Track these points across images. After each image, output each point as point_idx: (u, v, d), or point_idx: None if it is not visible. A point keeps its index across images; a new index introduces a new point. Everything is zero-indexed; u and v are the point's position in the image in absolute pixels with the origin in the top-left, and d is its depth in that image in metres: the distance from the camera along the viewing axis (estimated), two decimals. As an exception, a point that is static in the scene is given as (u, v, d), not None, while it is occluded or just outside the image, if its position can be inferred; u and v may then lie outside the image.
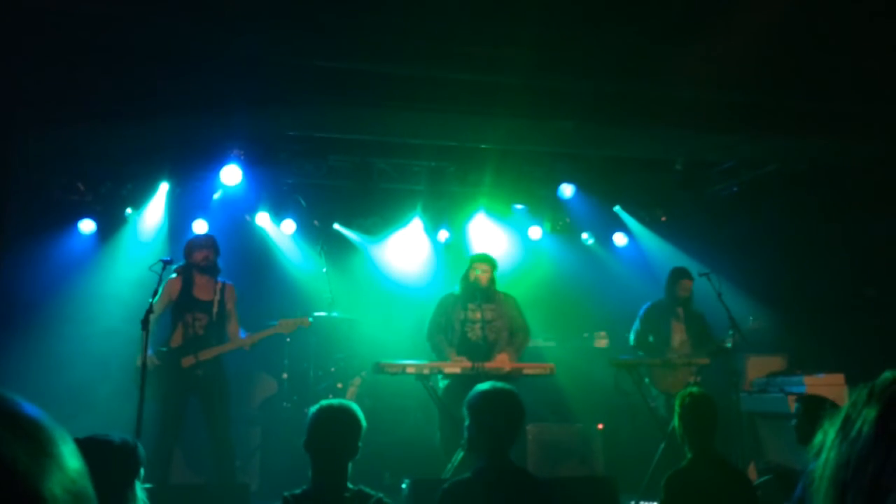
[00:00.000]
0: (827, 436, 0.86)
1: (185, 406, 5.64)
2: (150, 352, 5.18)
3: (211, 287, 5.79)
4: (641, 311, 6.96)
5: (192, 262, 5.76)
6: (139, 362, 5.07)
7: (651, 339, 6.86)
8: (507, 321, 6.16)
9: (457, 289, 6.25)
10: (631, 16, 5.02)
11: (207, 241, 5.83)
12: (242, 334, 5.84)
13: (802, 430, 4.11)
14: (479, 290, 6.07)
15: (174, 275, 5.76)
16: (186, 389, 5.60)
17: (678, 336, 6.80)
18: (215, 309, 5.74)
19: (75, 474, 0.73)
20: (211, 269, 5.77)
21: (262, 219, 7.93)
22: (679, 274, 6.87)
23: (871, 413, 0.81)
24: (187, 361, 5.58)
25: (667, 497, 3.56)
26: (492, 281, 6.14)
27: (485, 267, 6.12)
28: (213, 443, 5.61)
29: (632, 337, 6.94)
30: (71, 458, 0.73)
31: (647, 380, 6.63)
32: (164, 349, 5.60)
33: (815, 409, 4.20)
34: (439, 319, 6.15)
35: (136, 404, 4.79)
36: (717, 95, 5.83)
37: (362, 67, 5.38)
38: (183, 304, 5.70)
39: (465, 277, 6.15)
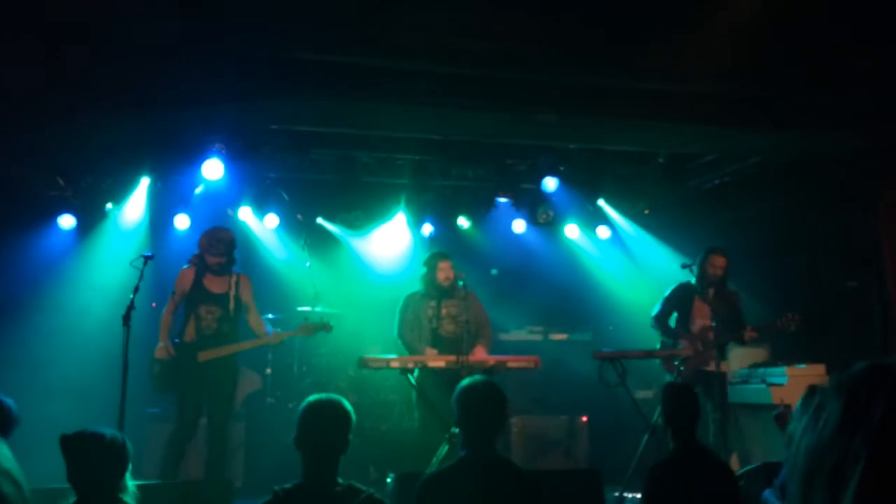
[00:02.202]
0: (799, 424, 0.87)
1: (202, 401, 5.56)
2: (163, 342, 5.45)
3: (225, 280, 5.69)
4: (667, 292, 6.54)
5: (205, 261, 5.66)
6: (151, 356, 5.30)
7: (671, 322, 6.45)
8: (474, 314, 6.20)
9: (420, 287, 6.30)
10: (613, 8, 5.02)
11: (222, 247, 5.66)
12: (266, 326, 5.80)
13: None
14: (446, 289, 6.18)
15: (187, 265, 5.69)
16: (201, 383, 5.51)
17: (700, 321, 6.34)
18: (231, 304, 5.65)
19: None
20: (223, 271, 5.69)
21: (245, 213, 7.87)
22: (710, 251, 6.35)
23: (837, 404, 0.83)
24: (204, 356, 5.50)
25: (650, 488, 3.58)
26: (456, 277, 6.21)
27: (449, 265, 6.23)
28: (210, 437, 5.56)
29: (652, 316, 6.55)
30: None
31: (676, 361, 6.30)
32: (178, 341, 5.56)
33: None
34: (408, 317, 6.19)
35: (119, 399, 4.78)
36: (700, 88, 5.84)
37: (345, 60, 5.34)
38: (196, 297, 5.62)
39: (431, 277, 6.22)
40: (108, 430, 2.91)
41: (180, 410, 5.50)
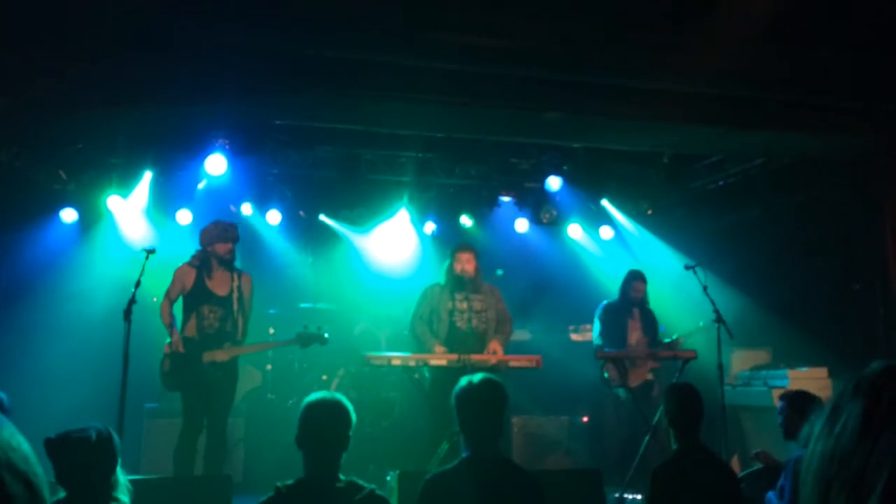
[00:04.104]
0: (814, 428, 0.84)
1: (206, 399, 5.49)
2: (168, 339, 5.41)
3: (227, 279, 5.58)
4: (598, 311, 6.87)
5: (213, 252, 5.54)
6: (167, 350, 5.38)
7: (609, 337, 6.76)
8: (495, 312, 6.16)
9: (441, 279, 6.23)
10: (619, 7, 5.00)
11: (233, 234, 5.57)
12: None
13: (791, 426, 4.23)
14: (466, 281, 6.06)
15: (187, 264, 5.58)
16: (206, 382, 5.45)
17: (635, 335, 6.75)
18: (234, 306, 5.56)
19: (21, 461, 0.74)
20: (231, 263, 5.60)
21: (248, 209, 7.86)
22: (633, 276, 6.89)
23: (856, 408, 0.79)
24: (209, 357, 5.44)
25: (654, 489, 3.56)
26: (477, 270, 6.13)
27: (469, 257, 6.11)
28: (209, 433, 5.54)
29: (596, 337, 6.82)
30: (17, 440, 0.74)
31: (605, 375, 6.60)
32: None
33: (801, 403, 4.28)
34: (423, 311, 6.11)
35: (118, 394, 4.77)
36: (705, 88, 5.81)
37: (349, 56, 5.32)
38: (197, 296, 5.51)
39: (450, 269, 6.13)
40: (94, 429, 2.79)
41: (186, 409, 5.46)
